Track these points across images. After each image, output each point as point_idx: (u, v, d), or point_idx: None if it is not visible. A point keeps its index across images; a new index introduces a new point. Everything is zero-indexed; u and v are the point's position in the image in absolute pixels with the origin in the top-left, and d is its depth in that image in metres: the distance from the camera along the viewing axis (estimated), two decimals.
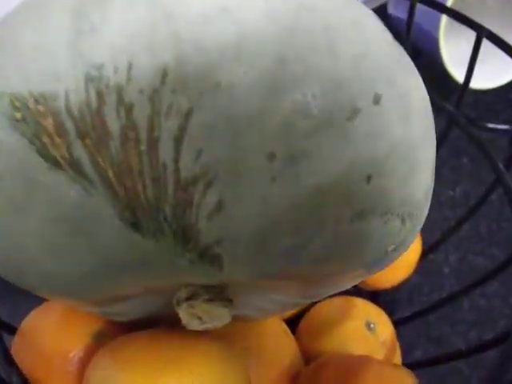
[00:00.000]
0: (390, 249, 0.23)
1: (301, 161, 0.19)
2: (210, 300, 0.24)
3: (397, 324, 0.43)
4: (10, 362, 0.30)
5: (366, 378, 0.30)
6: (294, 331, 0.39)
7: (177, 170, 0.18)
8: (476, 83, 0.60)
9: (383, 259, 0.24)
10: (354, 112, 0.19)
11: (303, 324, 0.41)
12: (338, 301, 0.41)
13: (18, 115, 0.19)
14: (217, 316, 0.25)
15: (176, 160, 0.18)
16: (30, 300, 0.37)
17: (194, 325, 0.25)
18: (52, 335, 0.33)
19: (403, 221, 0.23)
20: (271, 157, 0.18)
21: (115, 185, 0.19)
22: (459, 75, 0.58)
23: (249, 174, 0.19)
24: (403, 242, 0.24)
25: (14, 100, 0.19)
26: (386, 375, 0.30)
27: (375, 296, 0.45)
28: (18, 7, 0.22)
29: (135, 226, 0.19)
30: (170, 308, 0.28)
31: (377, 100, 0.20)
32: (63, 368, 0.32)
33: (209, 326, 0.25)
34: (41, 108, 0.19)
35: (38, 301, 0.36)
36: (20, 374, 0.30)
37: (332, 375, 0.31)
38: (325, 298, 0.43)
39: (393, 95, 0.21)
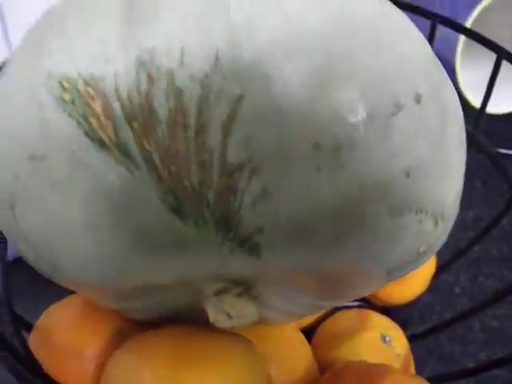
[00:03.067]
0: (421, 249, 0.24)
1: (346, 152, 0.19)
2: (239, 295, 0.24)
3: (408, 340, 0.43)
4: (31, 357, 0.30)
5: None
6: (309, 341, 0.39)
7: (223, 156, 0.19)
8: (490, 108, 0.61)
9: (414, 260, 0.24)
10: (398, 108, 0.20)
11: (319, 334, 0.41)
12: (354, 313, 0.41)
13: (67, 96, 0.20)
14: (245, 313, 0.25)
15: (223, 145, 0.19)
16: (45, 300, 0.37)
17: (221, 321, 0.25)
18: (69, 332, 0.33)
19: (436, 221, 0.23)
20: (317, 147, 0.19)
21: (160, 168, 0.19)
22: (475, 100, 0.58)
23: (294, 162, 0.19)
24: (434, 244, 0.25)
25: (62, 81, 0.20)
26: (406, 383, 0.30)
27: (387, 312, 0.45)
28: None
29: (177, 210, 0.20)
30: (193, 306, 0.28)
31: (418, 99, 0.21)
32: (80, 365, 0.32)
33: (235, 323, 0.25)
34: (89, 90, 0.19)
35: (54, 300, 0.36)
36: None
37: (352, 380, 0.31)
38: (340, 310, 0.43)
39: (432, 96, 0.21)
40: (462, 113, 0.24)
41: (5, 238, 0.32)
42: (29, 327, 0.35)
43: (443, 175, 0.22)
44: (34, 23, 0.24)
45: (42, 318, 0.35)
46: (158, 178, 0.19)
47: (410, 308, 0.49)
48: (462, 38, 0.55)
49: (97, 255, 0.21)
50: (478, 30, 0.63)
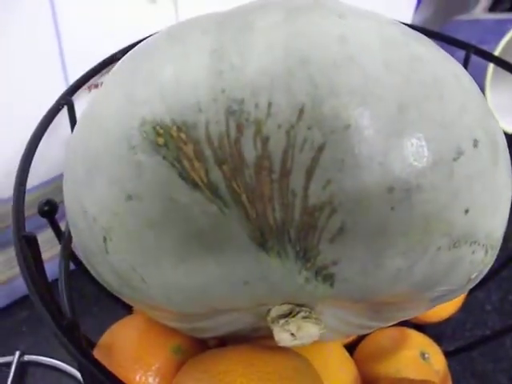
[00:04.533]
0: (472, 276, 0.26)
1: (415, 193, 0.21)
2: (305, 317, 0.27)
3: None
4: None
5: None
6: (351, 356, 0.41)
7: (305, 197, 0.21)
8: None
9: (465, 286, 0.26)
10: (459, 153, 0.22)
11: (360, 351, 0.43)
12: (393, 331, 0.43)
13: (161, 141, 0.22)
14: (309, 333, 0.27)
15: (305, 188, 0.21)
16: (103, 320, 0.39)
17: (285, 341, 0.27)
18: (133, 349, 0.35)
19: (486, 251, 0.25)
20: (391, 190, 0.21)
21: (247, 207, 0.21)
22: (505, 125, 0.60)
23: (371, 203, 0.21)
24: (482, 271, 0.27)
25: (156, 127, 0.22)
26: None
27: (420, 329, 0.47)
28: (151, 42, 0.25)
29: (262, 245, 0.22)
30: (254, 325, 0.30)
31: (476, 144, 0.23)
32: (144, 381, 0.34)
33: (298, 342, 0.27)
34: (182, 135, 0.22)
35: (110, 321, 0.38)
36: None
37: None
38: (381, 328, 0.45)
39: (487, 141, 0.24)
40: (508, 152, 0.26)
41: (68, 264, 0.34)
42: (92, 345, 0.37)
43: (495, 211, 0.24)
44: (122, 63, 0.26)
45: (103, 336, 0.37)
46: (246, 217, 0.21)
47: (442, 325, 0.51)
48: (492, 63, 0.57)
49: (185, 285, 0.24)
50: (508, 54, 0.65)
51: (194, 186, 0.22)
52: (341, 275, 0.23)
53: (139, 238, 0.23)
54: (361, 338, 0.45)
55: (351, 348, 0.44)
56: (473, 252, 0.24)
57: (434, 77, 0.23)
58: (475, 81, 0.25)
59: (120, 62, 0.27)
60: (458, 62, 0.26)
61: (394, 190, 0.21)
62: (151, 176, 0.22)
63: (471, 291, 0.49)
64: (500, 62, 0.46)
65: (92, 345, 0.37)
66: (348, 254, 0.22)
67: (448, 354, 0.46)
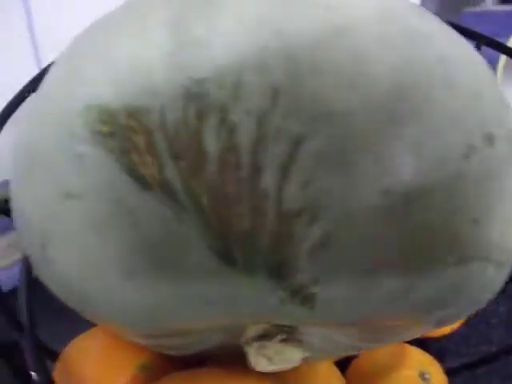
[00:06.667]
0: (483, 296, 0.22)
1: (415, 199, 0.17)
2: (283, 340, 0.23)
3: (445, 375, 0.41)
4: None
5: None
6: (343, 374, 0.37)
7: (279, 200, 0.17)
8: None
9: (474, 307, 0.22)
10: (469, 151, 0.18)
11: (353, 369, 0.39)
12: (391, 347, 0.39)
13: (106, 129, 0.18)
14: (288, 358, 0.23)
15: (280, 189, 0.17)
16: (72, 326, 0.36)
17: (262, 365, 0.23)
18: (95, 365, 0.31)
19: (498, 267, 0.21)
20: (386, 193, 0.17)
21: (208, 212, 0.17)
22: None
23: (360, 209, 0.17)
24: (495, 289, 0.23)
25: (102, 113, 0.18)
26: None
27: (423, 345, 0.43)
28: (109, 15, 0.21)
29: (226, 257, 0.18)
30: (231, 345, 0.27)
31: (491, 139, 0.19)
32: None
33: (278, 367, 0.23)
34: (132, 123, 0.18)
35: (80, 327, 0.35)
36: None
37: None
38: None
39: (503, 135, 0.19)
40: None
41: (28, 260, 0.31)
42: (54, 355, 0.34)
43: (509, 220, 0.20)
44: (74, 40, 0.22)
45: (67, 349, 0.33)
46: (206, 223, 0.17)
47: (445, 341, 0.47)
48: (504, 56, 0.54)
49: (135, 303, 0.20)
50: None
51: (145, 184, 0.18)
52: (323, 296, 0.19)
53: (79, 244, 0.19)
54: (355, 355, 0.41)
55: (343, 365, 0.40)
56: (483, 269, 0.20)
57: (440, 57, 0.18)
58: None
59: (72, 39, 0.23)
60: (469, 43, 0.22)
61: (389, 193, 0.17)
62: (93, 171, 0.18)
63: None
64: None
65: (54, 355, 0.34)
66: (332, 271, 0.18)
67: (450, 372, 0.42)
